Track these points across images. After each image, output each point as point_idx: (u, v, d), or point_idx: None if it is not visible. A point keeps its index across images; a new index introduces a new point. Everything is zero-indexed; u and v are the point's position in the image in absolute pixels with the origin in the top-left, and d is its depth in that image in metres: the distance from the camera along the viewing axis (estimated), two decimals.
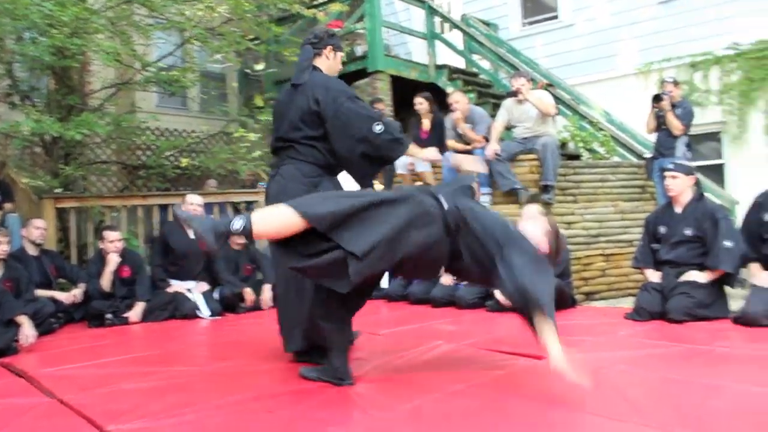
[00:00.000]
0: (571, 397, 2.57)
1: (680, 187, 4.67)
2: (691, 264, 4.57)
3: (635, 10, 9.80)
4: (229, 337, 4.72)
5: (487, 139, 6.76)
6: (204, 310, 5.70)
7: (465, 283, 5.66)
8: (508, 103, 6.84)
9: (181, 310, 5.65)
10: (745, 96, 8.90)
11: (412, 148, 3.53)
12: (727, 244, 4.36)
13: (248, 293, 6.02)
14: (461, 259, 2.83)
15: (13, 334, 4.23)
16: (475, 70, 9.98)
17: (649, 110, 6.99)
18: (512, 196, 6.47)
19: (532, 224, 3.02)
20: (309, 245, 2.64)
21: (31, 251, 5.63)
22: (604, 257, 6.65)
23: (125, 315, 5.49)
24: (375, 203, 2.69)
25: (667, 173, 4.77)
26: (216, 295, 5.98)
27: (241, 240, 6.23)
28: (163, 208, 6.93)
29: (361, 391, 2.87)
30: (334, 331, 2.95)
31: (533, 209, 5.51)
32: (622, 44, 9.96)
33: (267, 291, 6.08)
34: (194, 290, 5.86)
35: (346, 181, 3.64)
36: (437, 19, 9.96)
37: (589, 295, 6.42)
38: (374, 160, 3.40)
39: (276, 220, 2.66)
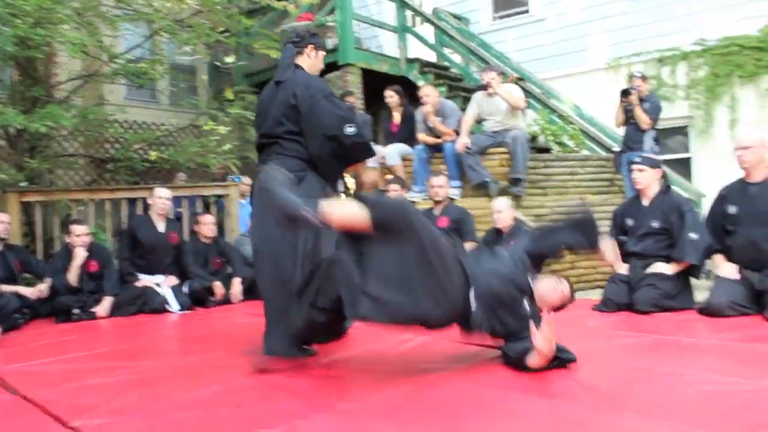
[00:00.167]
0: (540, 387, 2.60)
1: (647, 180, 4.74)
2: (657, 256, 4.65)
3: (605, 5, 9.87)
4: (198, 331, 4.69)
5: (457, 133, 6.79)
6: (173, 304, 5.65)
7: None
8: (478, 96, 6.87)
9: (149, 304, 5.59)
10: (711, 91, 9.03)
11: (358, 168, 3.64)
12: (693, 236, 4.44)
13: (218, 287, 5.99)
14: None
15: None
16: (446, 63, 9.99)
17: (617, 104, 7.06)
18: (482, 189, 6.50)
19: (551, 289, 3.06)
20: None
21: None
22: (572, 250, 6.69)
23: (93, 310, 5.42)
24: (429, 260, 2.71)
25: (634, 166, 4.84)
26: (185, 288, 5.93)
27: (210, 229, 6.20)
28: (132, 201, 6.84)
29: (331, 384, 2.87)
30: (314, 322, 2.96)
31: (503, 202, 5.56)
32: (593, 39, 10.04)
33: (236, 285, 6.06)
34: (163, 284, 5.81)
35: None
36: (408, 13, 9.94)
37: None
38: (341, 160, 3.48)
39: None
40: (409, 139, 7.31)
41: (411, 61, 9.51)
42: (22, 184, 6.54)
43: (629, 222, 4.83)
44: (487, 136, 6.76)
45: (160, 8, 7.09)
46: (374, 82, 9.01)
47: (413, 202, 6.77)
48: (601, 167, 7.46)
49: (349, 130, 3.35)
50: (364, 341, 3.78)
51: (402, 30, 9.56)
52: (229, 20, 7.80)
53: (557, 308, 3.02)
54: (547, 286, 3.05)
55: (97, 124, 7.69)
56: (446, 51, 9.94)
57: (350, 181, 7.67)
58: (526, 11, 10.75)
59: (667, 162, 8.23)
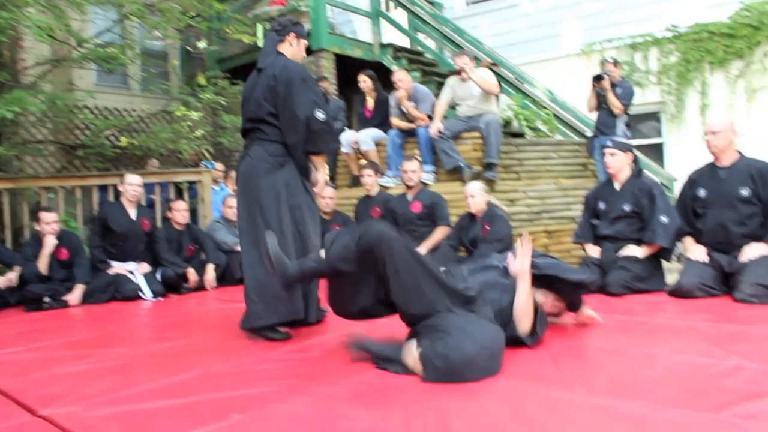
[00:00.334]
0: (510, 368, 2.63)
1: (619, 164, 4.78)
2: (629, 239, 4.70)
3: None
4: (171, 317, 4.65)
5: (430, 118, 6.79)
6: (146, 292, 5.59)
7: None
8: (451, 81, 6.87)
9: (122, 291, 5.53)
10: (682, 77, 9.13)
11: (321, 159, 3.77)
12: (664, 219, 4.49)
13: (191, 273, 5.94)
14: None
15: None
16: (420, 49, 9.97)
17: (590, 90, 7.11)
18: (456, 173, 6.50)
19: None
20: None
21: None
22: (546, 234, 6.76)
23: (64, 298, 5.34)
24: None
25: (606, 150, 4.88)
26: (158, 275, 5.87)
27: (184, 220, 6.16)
28: (103, 188, 6.74)
29: (306, 367, 2.87)
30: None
31: (477, 186, 5.57)
32: (566, 24, 10.09)
33: (210, 271, 6.02)
34: (136, 271, 5.75)
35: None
36: None
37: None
38: (308, 145, 3.55)
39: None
40: (383, 124, 7.29)
41: (384, 46, 9.48)
42: None
43: (601, 205, 4.88)
44: (460, 121, 6.76)
45: None
46: (348, 68, 8.98)
47: (386, 187, 6.78)
48: (574, 152, 7.51)
49: (319, 114, 3.48)
50: (339, 325, 3.78)
51: (376, 15, 9.53)
52: (201, 4, 7.71)
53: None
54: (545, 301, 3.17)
55: (67, 110, 7.58)
56: (420, 36, 9.91)
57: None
58: None
59: (639, 147, 8.34)
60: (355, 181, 7.20)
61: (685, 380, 2.42)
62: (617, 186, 4.82)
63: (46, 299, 5.24)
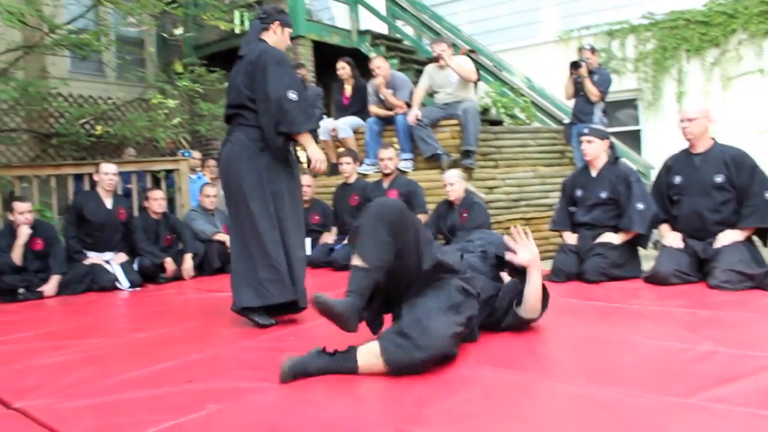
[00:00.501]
0: (488, 356, 2.64)
1: (595, 151, 4.81)
2: (606, 226, 4.73)
3: None
4: (149, 308, 4.62)
5: (408, 105, 6.77)
6: (123, 282, 5.56)
7: None
8: (430, 68, 6.86)
9: (98, 282, 5.49)
10: (659, 64, 9.19)
11: (305, 138, 3.65)
12: (640, 206, 4.53)
13: (169, 263, 5.91)
14: None
15: None
16: (398, 36, 9.94)
17: (567, 77, 7.12)
18: (434, 161, 6.50)
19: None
20: None
21: None
22: (524, 221, 6.78)
23: (39, 289, 5.29)
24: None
25: (582, 138, 4.90)
26: (135, 265, 5.83)
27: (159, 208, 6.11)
28: (78, 177, 6.67)
29: (278, 356, 2.85)
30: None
31: (455, 174, 5.58)
32: (544, 12, 10.10)
33: (188, 260, 5.99)
34: (112, 261, 5.70)
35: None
36: None
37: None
38: (279, 127, 3.52)
39: None
40: (361, 111, 7.27)
41: (363, 33, 9.44)
42: None
43: (578, 192, 4.90)
44: (438, 108, 6.75)
45: None
46: (326, 55, 8.93)
47: (365, 174, 6.77)
48: (551, 139, 7.54)
49: (291, 95, 3.49)
50: (314, 314, 3.77)
51: (354, 1, 9.47)
52: None
53: None
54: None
55: (40, 98, 7.46)
56: (398, 23, 9.88)
57: (302, 155, 7.62)
58: None
59: (617, 134, 8.40)
60: (334, 169, 7.18)
61: (659, 366, 2.45)
62: (594, 173, 4.85)
63: (21, 290, 5.20)
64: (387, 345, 2.43)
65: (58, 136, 7.85)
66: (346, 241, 6.28)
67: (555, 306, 3.69)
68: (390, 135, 6.93)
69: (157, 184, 7.04)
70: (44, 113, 8.29)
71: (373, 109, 7.03)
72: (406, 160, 6.68)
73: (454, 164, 6.37)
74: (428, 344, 2.38)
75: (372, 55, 8.32)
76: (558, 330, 3.07)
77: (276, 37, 3.77)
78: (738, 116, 8.36)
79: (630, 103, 9.66)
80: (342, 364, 2.49)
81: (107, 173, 5.78)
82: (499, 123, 8.20)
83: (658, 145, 8.77)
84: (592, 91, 6.85)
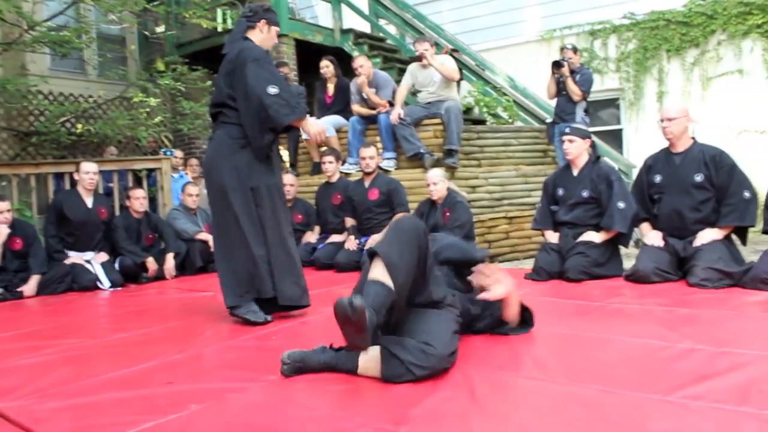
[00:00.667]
0: (470, 355, 2.64)
1: (577, 151, 4.83)
2: (587, 225, 4.76)
3: None
4: (130, 307, 4.59)
5: (391, 104, 6.78)
6: (104, 282, 5.52)
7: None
8: (412, 67, 6.87)
9: (79, 282, 5.45)
10: (640, 64, 9.27)
11: (299, 125, 3.73)
12: (621, 205, 4.56)
13: (151, 263, 5.87)
14: None
15: None
16: (381, 35, 9.94)
17: (549, 76, 7.16)
18: (417, 160, 6.51)
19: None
20: None
21: None
22: (507, 220, 6.81)
23: (19, 289, 5.24)
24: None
25: (564, 137, 4.92)
26: (117, 265, 5.79)
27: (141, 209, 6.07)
28: (59, 176, 6.61)
29: (264, 357, 2.85)
30: None
31: (438, 173, 5.59)
32: (526, 11, 10.15)
33: (170, 260, 5.96)
34: (93, 261, 5.66)
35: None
36: None
37: (493, 258, 6.57)
38: (264, 123, 3.53)
39: None
40: (344, 110, 7.27)
41: (345, 32, 9.43)
42: None
43: (560, 191, 4.93)
44: (421, 107, 6.76)
45: None
46: (308, 53, 8.91)
47: (347, 173, 6.77)
48: (534, 138, 7.57)
49: (272, 90, 3.48)
50: (296, 314, 3.78)
51: (336, 0, 9.45)
52: None
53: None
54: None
55: (19, 96, 7.39)
56: (381, 22, 9.88)
57: (284, 154, 7.61)
58: None
59: (599, 134, 8.45)
60: (317, 168, 7.17)
61: (639, 363, 2.47)
62: (575, 172, 4.88)
63: (0, 290, 5.13)
64: (388, 360, 2.37)
65: (38, 134, 7.78)
66: (329, 241, 6.29)
67: (536, 305, 3.70)
68: (373, 134, 6.93)
69: (138, 183, 6.99)
70: (24, 111, 8.21)
71: (356, 108, 7.03)
72: (388, 159, 6.68)
73: (437, 163, 6.38)
74: (429, 365, 2.37)
75: (355, 54, 8.31)
76: (539, 328, 3.08)
77: (262, 35, 3.75)
78: (717, 116, 8.45)
79: (612, 103, 9.73)
80: (344, 362, 2.47)
81: (88, 172, 5.74)
82: (481, 122, 8.23)
83: (640, 145, 8.85)
84: (574, 91, 6.89)
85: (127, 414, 2.17)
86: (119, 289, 5.52)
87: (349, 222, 6.18)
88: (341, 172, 6.64)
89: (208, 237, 6.09)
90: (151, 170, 7.21)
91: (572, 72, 6.93)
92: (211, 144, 3.74)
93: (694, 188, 4.32)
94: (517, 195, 7.01)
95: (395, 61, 9.12)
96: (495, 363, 2.56)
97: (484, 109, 8.22)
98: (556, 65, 6.96)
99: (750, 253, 5.06)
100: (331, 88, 7.42)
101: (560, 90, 7.08)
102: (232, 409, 2.19)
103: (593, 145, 4.94)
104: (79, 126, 7.76)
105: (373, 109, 6.88)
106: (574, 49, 7.20)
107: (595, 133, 6.60)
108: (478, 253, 3.10)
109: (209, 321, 3.74)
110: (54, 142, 7.68)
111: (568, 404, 2.07)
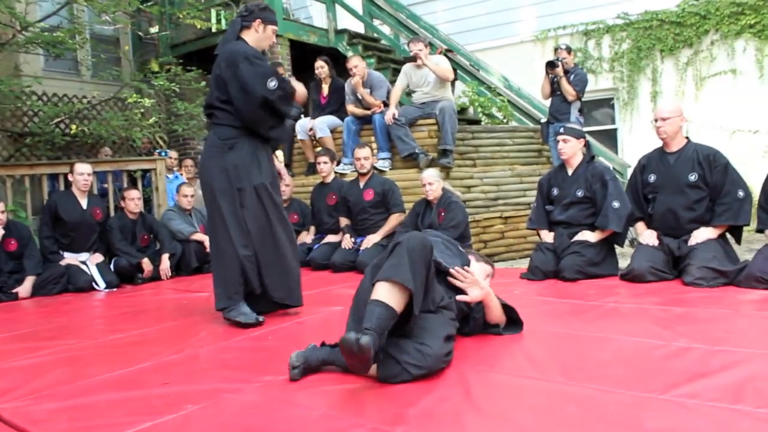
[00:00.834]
0: (466, 355, 2.65)
1: (571, 150, 4.84)
2: (582, 224, 4.77)
3: None
4: (125, 308, 4.58)
5: (386, 104, 6.78)
6: (99, 282, 5.51)
7: (364, 248, 5.70)
8: (407, 68, 6.87)
9: (74, 283, 5.44)
10: (634, 64, 9.28)
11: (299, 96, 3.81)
12: (615, 204, 4.57)
13: (146, 264, 5.86)
14: None
15: None
16: (375, 35, 9.94)
17: (544, 76, 7.17)
18: (412, 160, 6.51)
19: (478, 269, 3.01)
20: None
21: None
22: (502, 220, 6.82)
23: (14, 291, 5.23)
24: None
25: (559, 137, 4.93)
26: (112, 266, 5.78)
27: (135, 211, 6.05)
28: (53, 177, 6.60)
29: (259, 357, 2.85)
30: None
31: (433, 173, 5.59)
32: (521, 11, 10.15)
33: (165, 261, 5.95)
34: (88, 262, 5.65)
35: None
36: None
37: (488, 258, 6.56)
38: (273, 114, 3.61)
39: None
40: (338, 110, 7.26)
41: (340, 33, 9.42)
42: None
43: (555, 191, 4.94)
44: (415, 107, 6.76)
45: None
46: (303, 54, 8.90)
47: (342, 174, 6.76)
48: (529, 138, 7.59)
49: (271, 84, 3.51)
50: (292, 314, 3.78)
51: (331, 1, 9.45)
52: None
53: None
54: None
55: (13, 97, 7.36)
56: (375, 22, 9.88)
57: (279, 154, 7.60)
58: None
59: (594, 134, 8.48)
60: (312, 169, 7.18)
61: (634, 362, 2.48)
62: (570, 172, 4.89)
63: None
64: (385, 360, 2.37)
65: (32, 135, 7.76)
66: (324, 241, 6.29)
67: (531, 304, 3.73)
68: (367, 134, 6.92)
69: (133, 183, 6.98)
70: (17, 112, 8.18)
71: (351, 108, 7.02)
72: (383, 159, 6.68)
73: (432, 163, 6.38)
74: (425, 365, 2.38)
75: (349, 54, 8.31)
76: (535, 328, 3.09)
77: (257, 35, 3.71)
78: (711, 116, 8.48)
79: (606, 103, 9.75)
80: (341, 359, 2.44)
81: (82, 173, 5.73)
82: (476, 122, 8.24)
83: (634, 144, 8.88)
84: (569, 91, 6.91)
85: (123, 415, 2.18)
86: (115, 290, 5.51)
87: (344, 222, 6.17)
88: (336, 173, 6.64)
89: (203, 238, 6.08)
90: (145, 171, 7.20)
91: (566, 72, 6.94)
92: (204, 146, 3.79)
93: (688, 187, 4.34)
94: (512, 195, 7.02)
95: (390, 61, 9.12)
96: (491, 362, 2.57)
97: (479, 109, 8.23)
98: (551, 65, 6.97)
99: (744, 252, 5.09)
100: (325, 88, 7.42)
101: (555, 90, 7.09)
102: (228, 410, 2.19)
103: (587, 145, 4.95)
104: (74, 127, 7.74)
105: (368, 109, 6.88)
106: (568, 50, 7.21)
107: (590, 132, 6.62)
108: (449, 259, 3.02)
109: (205, 321, 3.74)
110: (48, 143, 7.66)
111: (563, 403, 2.08)
